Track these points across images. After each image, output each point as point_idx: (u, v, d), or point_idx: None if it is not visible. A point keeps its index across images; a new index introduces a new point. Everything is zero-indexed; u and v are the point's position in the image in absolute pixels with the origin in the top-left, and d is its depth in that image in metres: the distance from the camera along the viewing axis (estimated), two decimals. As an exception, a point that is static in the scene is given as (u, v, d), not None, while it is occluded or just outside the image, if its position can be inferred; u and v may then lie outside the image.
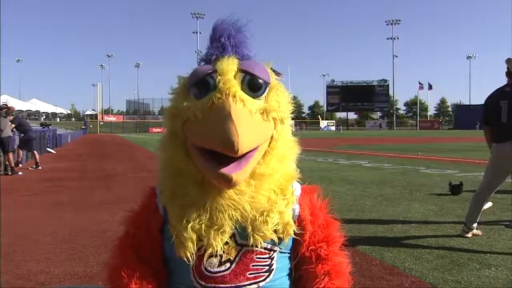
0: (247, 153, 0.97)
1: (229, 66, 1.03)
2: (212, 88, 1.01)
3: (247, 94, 1.02)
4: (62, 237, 4.51)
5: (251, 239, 1.03)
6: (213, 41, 1.08)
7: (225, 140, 0.91)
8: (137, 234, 1.11)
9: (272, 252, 1.08)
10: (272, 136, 1.06)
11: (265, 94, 1.06)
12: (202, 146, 0.98)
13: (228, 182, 0.96)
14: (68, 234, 4.64)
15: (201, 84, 1.03)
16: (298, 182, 1.17)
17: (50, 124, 25.37)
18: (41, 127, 19.61)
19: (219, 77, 1.01)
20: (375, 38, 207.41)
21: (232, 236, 1.04)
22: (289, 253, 1.13)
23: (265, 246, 1.06)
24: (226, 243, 1.03)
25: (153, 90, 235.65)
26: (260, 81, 1.04)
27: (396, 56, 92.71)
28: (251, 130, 0.96)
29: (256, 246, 1.04)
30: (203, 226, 1.01)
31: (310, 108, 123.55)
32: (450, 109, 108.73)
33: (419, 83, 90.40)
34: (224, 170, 0.95)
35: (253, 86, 1.03)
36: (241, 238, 1.05)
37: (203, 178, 1.02)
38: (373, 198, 6.69)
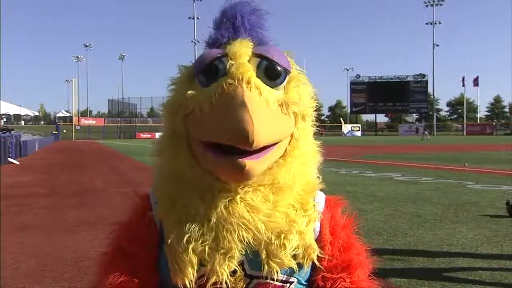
0: (263, 148, 0.97)
1: (243, 50, 1.04)
2: (222, 74, 1.02)
3: (264, 82, 1.02)
4: (27, 269, 4.49)
5: (266, 268, 1.02)
6: (223, 23, 1.09)
7: (237, 130, 0.91)
8: (131, 249, 1.08)
9: (288, 284, 1.06)
10: (292, 135, 1.06)
11: (284, 84, 1.07)
12: (208, 140, 0.98)
13: (240, 171, 0.96)
14: (34, 264, 4.63)
15: (209, 71, 1.03)
16: (322, 192, 1.17)
17: (13, 129, 25.64)
18: (0, 133, 19.80)
19: (230, 61, 1.02)
20: (411, 23, 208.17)
21: (240, 264, 1.03)
22: (306, 284, 1.11)
23: (281, 277, 1.04)
24: (234, 272, 1.02)
25: (141, 88, 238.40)
26: (279, 68, 1.05)
27: (437, 45, 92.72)
28: (269, 121, 0.96)
29: (272, 278, 1.03)
30: (206, 248, 1.00)
31: (330, 109, 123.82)
32: (506, 109, 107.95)
33: (463, 79, 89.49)
34: (235, 158, 0.95)
35: (271, 73, 1.04)
36: (252, 267, 1.04)
37: (209, 185, 1.03)
38: (408, 219, 6.63)
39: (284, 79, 1.06)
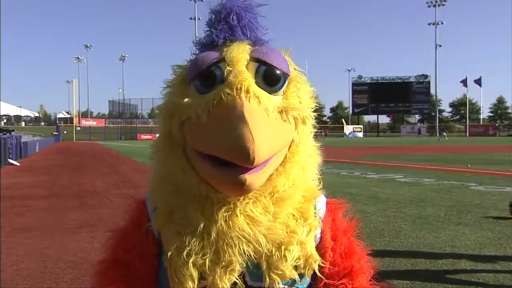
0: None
1: (240, 54, 1.01)
2: (219, 81, 0.99)
3: (262, 89, 1.00)
4: (27, 270, 4.49)
5: (267, 280, 1.01)
6: (218, 21, 1.06)
7: (237, 148, 0.88)
8: (127, 260, 1.07)
9: None
10: (292, 140, 1.04)
11: (283, 88, 1.04)
12: (206, 152, 0.96)
13: (241, 186, 0.93)
14: (34, 266, 4.63)
15: (205, 76, 1.01)
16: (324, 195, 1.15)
17: (13, 130, 25.69)
18: (1, 134, 19.82)
19: (228, 67, 0.99)
20: (413, 24, 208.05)
21: (241, 276, 1.02)
22: None
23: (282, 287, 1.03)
24: (234, 284, 1.01)
25: (142, 89, 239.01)
26: (278, 72, 1.02)
27: (440, 46, 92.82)
28: (269, 134, 0.94)
29: None
30: (207, 261, 0.99)
31: (332, 110, 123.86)
32: (510, 110, 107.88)
33: (464, 80, 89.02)
34: (235, 172, 0.93)
35: (270, 78, 1.02)
36: (253, 278, 1.03)
37: (206, 195, 1.01)
38: (411, 221, 6.62)
39: (284, 83, 1.04)
